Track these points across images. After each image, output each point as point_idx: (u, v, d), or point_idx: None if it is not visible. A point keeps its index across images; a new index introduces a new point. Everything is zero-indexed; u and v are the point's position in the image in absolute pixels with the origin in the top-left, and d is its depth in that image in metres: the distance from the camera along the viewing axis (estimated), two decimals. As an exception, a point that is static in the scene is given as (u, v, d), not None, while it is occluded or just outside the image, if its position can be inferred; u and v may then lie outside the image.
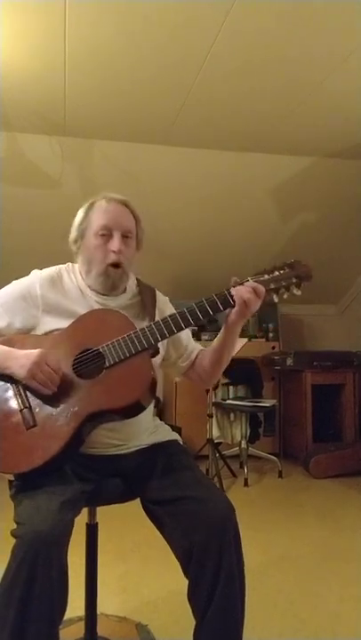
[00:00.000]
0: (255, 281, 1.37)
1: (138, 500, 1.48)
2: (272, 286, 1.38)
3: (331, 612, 2.00)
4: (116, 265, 1.48)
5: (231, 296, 1.35)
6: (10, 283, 1.53)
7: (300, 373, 4.42)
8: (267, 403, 4.02)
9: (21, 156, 3.44)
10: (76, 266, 1.56)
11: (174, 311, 1.44)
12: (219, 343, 1.50)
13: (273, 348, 4.79)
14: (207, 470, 3.77)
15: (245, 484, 3.74)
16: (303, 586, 2.21)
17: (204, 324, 4.46)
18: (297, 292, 1.39)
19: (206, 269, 4.53)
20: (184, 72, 2.75)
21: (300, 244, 4.50)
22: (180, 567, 1.33)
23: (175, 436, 1.60)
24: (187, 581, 1.31)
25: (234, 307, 1.36)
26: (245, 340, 3.90)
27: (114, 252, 1.47)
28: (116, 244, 1.47)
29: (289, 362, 4.40)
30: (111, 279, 1.49)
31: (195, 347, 1.62)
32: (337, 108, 3.14)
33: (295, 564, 2.43)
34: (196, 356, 1.60)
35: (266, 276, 1.39)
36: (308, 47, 2.56)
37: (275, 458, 4.14)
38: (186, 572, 1.31)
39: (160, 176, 3.81)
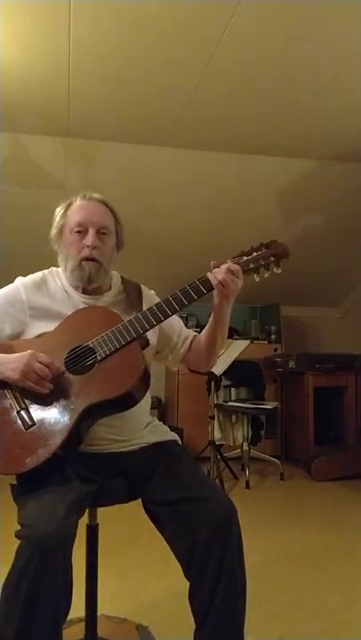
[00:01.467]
0: (233, 262, 1.42)
1: (139, 501, 1.48)
2: (251, 266, 1.44)
3: (332, 613, 1.99)
4: (89, 259, 1.50)
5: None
6: (6, 283, 1.55)
7: (303, 376, 4.42)
8: (269, 405, 4.02)
9: (25, 157, 3.45)
10: (59, 269, 1.59)
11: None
12: (210, 326, 1.53)
13: (275, 350, 4.78)
14: (209, 472, 3.76)
15: (247, 486, 3.74)
16: (305, 588, 2.21)
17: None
18: (277, 270, 1.45)
19: (206, 270, 4.52)
20: (188, 73, 2.75)
21: (304, 247, 4.49)
22: (180, 569, 1.33)
23: (174, 435, 1.61)
24: (187, 583, 1.31)
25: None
26: (248, 341, 3.90)
27: (87, 246, 1.50)
28: (89, 239, 1.50)
29: (291, 364, 4.40)
30: (86, 272, 1.51)
31: (189, 333, 1.65)
32: (342, 110, 3.14)
33: (297, 566, 2.43)
34: (191, 341, 1.63)
35: (245, 258, 1.45)
36: (313, 50, 2.56)
37: (276, 460, 4.14)
38: (187, 574, 1.31)
39: (163, 177, 3.81)
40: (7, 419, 1.34)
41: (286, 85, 2.87)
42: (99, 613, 1.62)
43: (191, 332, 1.66)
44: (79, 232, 1.51)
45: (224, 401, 4.20)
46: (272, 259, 1.45)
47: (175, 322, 1.62)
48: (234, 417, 4.20)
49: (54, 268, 1.61)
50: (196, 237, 4.31)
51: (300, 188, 4.03)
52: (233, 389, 4.33)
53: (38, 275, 1.58)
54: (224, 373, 3.70)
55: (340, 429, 4.56)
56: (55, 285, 1.56)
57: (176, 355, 1.64)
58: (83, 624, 1.61)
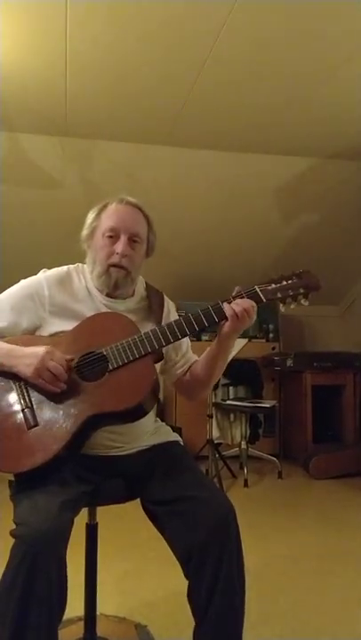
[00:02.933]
0: (260, 290, 1.38)
1: (137, 501, 1.48)
2: (278, 295, 1.38)
3: (331, 612, 2.00)
4: (118, 266, 1.48)
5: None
6: (11, 282, 1.52)
7: (301, 374, 4.42)
8: (267, 403, 4.02)
9: (23, 156, 3.45)
10: (85, 267, 1.56)
11: (178, 317, 1.43)
12: (212, 353, 1.49)
13: (273, 348, 4.79)
14: (207, 471, 3.76)
15: (245, 484, 3.74)
16: (303, 586, 2.21)
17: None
18: (304, 302, 1.39)
19: (207, 269, 4.54)
20: (186, 72, 2.75)
21: (302, 245, 4.51)
22: (179, 568, 1.33)
23: (176, 436, 1.60)
24: (186, 582, 1.31)
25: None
26: (246, 340, 3.90)
27: (117, 253, 1.47)
28: (120, 246, 1.47)
29: (289, 362, 4.40)
30: (113, 278, 1.48)
31: (191, 356, 1.61)
32: (339, 108, 3.14)
33: (295, 565, 2.43)
34: (190, 365, 1.59)
35: (273, 285, 1.39)
36: (311, 48, 2.56)
37: (275, 458, 4.14)
38: (186, 572, 1.31)
39: (161, 176, 3.81)
40: (11, 415, 1.33)
41: (284, 84, 2.88)
42: (98, 612, 1.62)
43: (193, 357, 1.62)
44: (110, 237, 1.47)
45: (222, 399, 4.20)
46: (301, 290, 1.39)
47: (184, 341, 1.58)
48: (232, 415, 4.20)
49: (80, 265, 1.57)
50: (193, 235, 4.32)
51: (299, 186, 4.03)
52: (231, 388, 4.33)
53: (63, 269, 1.54)
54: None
55: (338, 428, 4.56)
56: (79, 283, 1.52)
57: (173, 374, 1.60)
58: (82, 623, 1.61)
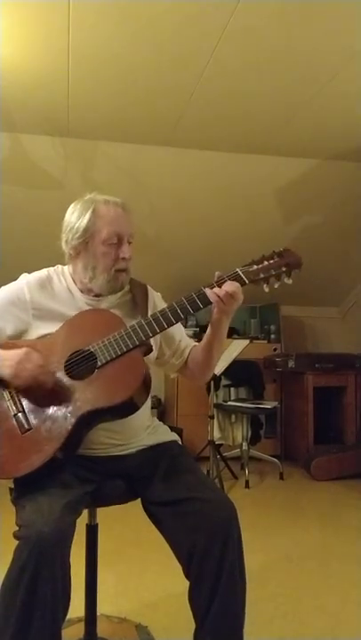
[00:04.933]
0: (242, 272, 1.39)
1: (138, 501, 1.48)
2: (261, 276, 1.39)
3: (332, 613, 2.00)
4: (124, 270, 1.49)
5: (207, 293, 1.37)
6: (7, 283, 1.53)
7: (302, 375, 4.42)
8: (268, 404, 4.02)
9: (24, 156, 3.45)
10: (65, 268, 1.57)
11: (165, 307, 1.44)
12: (207, 339, 1.50)
13: (275, 349, 4.78)
14: (208, 472, 3.76)
15: (246, 485, 3.74)
16: (304, 588, 2.21)
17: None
18: (288, 280, 1.39)
19: (208, 270, 4.50)
20: (187, 73, 2.75)
21: (303, 246, 4.47)
22: (180, 569, 1.33)
23: (175, 436, 1.61)
24: (187, 583, 1.31)
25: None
26: (247, 341, 3.90)
27: (123, 259, 1.47)
28: (126, 251, 1.48)
29: (290, 364, 4.39)
30: (120, 282, 1.50)
31: (187, 343, 1.62)
32: (341, 109, 3.14)
33: (296, 566, 2.43)
34: (189, 352, 1.61)
35: (255, 267, 1.39)
36: (312, 49, 2.56)
37: (276, 460, 4.14)
38: (187, 573, 1.31)
39: (163, 177, 3.81)
40: (4, 421, 1.33)
41: (285, 85, 2.87)
42: (98, 613, 1.62)
43: (191, 343, 1.63)
44: (112, 244, 1.47)
45: (223, 401, 4.20)
46: (284, 269, 1.39)
47: (177, 330, 1.59)
48: (233, 417, 4.20)
49: (60, 267, 1.58)
50: (194, 236, 4.32)
51: (300, 188, 4.03)
52: (232, 389, 4.33)
53: (44, 273, 1.55)
54: (223, 373, 3.70)
55: (339, 429, 4.56)
56: (60, 285, 1.53)
57: (173, 364, 1.62)
58: (82, 624, 1.61)
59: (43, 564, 1.13)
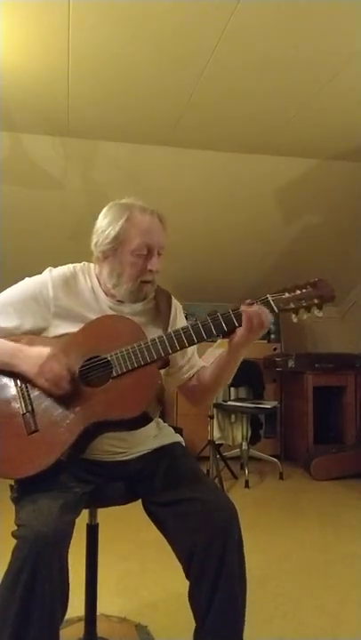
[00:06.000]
0: (273, 299, 1.31)
1: (138, 501, 1.48)
2: (292, 306, 1.31)
3: (332, 613, 2.00)
4: (150, 282, 1.46)
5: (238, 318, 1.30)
6: (11, 283, 1.49)
7: (302, 375, 4.42)
8: (268, 404, 4.02)
9: (24, 156, 3.45)
10: (92, 266, 1.52)
11: (185, 321, 1.42)
12: (221, 362, 1.44)
13: (274, 349, 4.78)
14: (208, 472, 3.76)
15: (246, 485, 3.74)
16: (304, 588, 2.21)
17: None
18: (318, 313, 1.31)
19: (208, 270, 4.54)
20: (187, 73, 2.75)
21: (303, 246, 4.50)
22: (180, 568, 1.33)
23: (178, 438, 1.60)
24: (187, 583, 1.31)
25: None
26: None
27: (151, 271, 1.44)
28: (155, 264, 1.44)
29: (290, 363, 4.39)
30: (143, 293, 1.47)
31: (197, 362, 1.57)
32: (341, 109, 3.14)
33: (296, 566, 2.43)
34: (196, 371, 1.56)
35: (286, 295, 1.31)
36: (312, 49, 2.56)
37: (276, 460, 4.14)
38: (188, 573, 1.31)
39: (163, 177, 3.81)
40: (11, 419, 1.32)
41: (286, 85, 2.87)
42: (98, 613, 1.62)
43: (200, 362, 1.57)
44: (141, 255, 1.42)
45: (223, 400, 4.19)
46: (316, 300, 1.30)
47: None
48: (233, 416, 4.20)
49: (86, 264, 1.52)
50: (194, 236, 4.31)
51: (300, 188, 4.03)
52: (232, 389, 4.32)
53: (69, 269, 1.49)
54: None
55: (339, 429, 4.56)
56: (85, 284, 1.48)
57: (178, 378, 1.56)
58: (82, 623, 1.61)
59: (40, 564, 1.13)
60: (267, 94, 2.97)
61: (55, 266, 1.51)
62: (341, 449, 4.18)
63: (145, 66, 2.69)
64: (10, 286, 1.49)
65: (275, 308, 1.31)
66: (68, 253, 1.59)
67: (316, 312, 1.31)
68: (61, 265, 1.52)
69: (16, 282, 1.50)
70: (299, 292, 1.31)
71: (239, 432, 4.15)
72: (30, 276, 1.50)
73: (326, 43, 2.51)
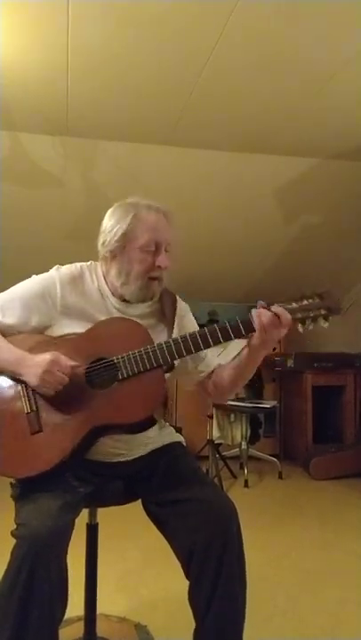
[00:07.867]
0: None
1: (138, 501, 1.48)
2: (298, 316, 1.31)
3: (331, 612, 2.00)
4: (158, 278, 1.46)
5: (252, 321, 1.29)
6: (11, 282, 1.49)
7: (301, 374, 4.42)
8: (267, 404, 4.02)
9: (24, 155, 3.44)
10: (99, 265, 1.51)
11: (194, 321, 1.42)
12: (239, 363, 1.44)
13: (274, 349, 4.73)
14: (207, 471, 3.76)
15: (245, 485, 3.74)
16: (303, 587, 2.21)
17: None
18: (324, 324, 1.32)
19: (208, 270, 4.53)
20: (187, 72, 2.75)
21: (303, 246, 4.50)
22: (180, 568, 1.33)
23: (179, 437, 1.60)
24: (186, 582, 1.32)
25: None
26: (246, 340, 3.89)
27: (159, 267, 1.44)
28: (164, 260, 1.44)
29: (290, 363, 4.40)
30: (151, 291, 1.47)
31: (212, 361, 1.55)
32: (341, 108, 3.14)
33: (295, 565, 2.44)
34: (212, 370, 1.55)
35: (293, 304, 1.31)
36: (312, 48, 2.55)
37: (275, 459, 4.14)
38: (187, 573, 1.31)
39: (162, 176, 3.80)
40: (14, 418, 1.31)
41: (285, 84, 2.87)
42: (98, 612, 1.62)
43: (216, 361, 1.56)
44: (149, 251, 1.43)
45: (223, 400, 4.20)
46: (323, 312, 1.30)
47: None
48: (232, 416, 4.21)
49: (93, 263, 1.52)
50: (194, 235, 4.31)
51: (300, 187, 4.02)
52: (232, 388, 4.32)
53: (77, 268, 1.49)
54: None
55: (338, 428, 4.56)
56: (91, 284, 1.48)
57: (194, 377, 1.55)
58: (82, 623, 1.61)
59: (39, 564, 1.13)
60: (267, 94, 2.97)
61: (54, 264, 1.51)
62: (340, 448, 4.19)
63: (145, 65, 2.69)
64: (10, 286, 1.49)
65: None
66: (67, 253, 1.59)
67: (322, 323, 1.31)
68: (60, 263, 1.52)
69: (16, 281, 1.50)
70: (306, 302, 1.31)
71: (238, 431, 4.15)
72: (30, 276, 1.49)
73: (326, 43, 2.51)
